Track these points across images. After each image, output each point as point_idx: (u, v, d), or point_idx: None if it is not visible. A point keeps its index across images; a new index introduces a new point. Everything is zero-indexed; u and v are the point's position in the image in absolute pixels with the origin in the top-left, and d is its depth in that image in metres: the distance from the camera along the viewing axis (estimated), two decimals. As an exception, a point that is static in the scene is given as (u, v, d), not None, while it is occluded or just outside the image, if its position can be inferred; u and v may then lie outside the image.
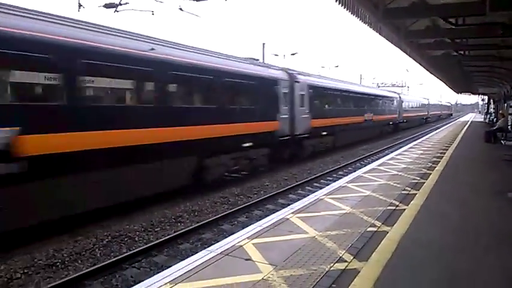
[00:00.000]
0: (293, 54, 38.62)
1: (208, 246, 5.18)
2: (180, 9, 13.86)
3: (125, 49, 9.03)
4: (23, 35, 6.98)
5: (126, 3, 12.89)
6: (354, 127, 24.40)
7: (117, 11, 13.23)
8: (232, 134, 12.48)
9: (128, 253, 7.04)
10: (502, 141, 15.99)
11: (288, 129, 16.22)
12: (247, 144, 13.37)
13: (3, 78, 7.04)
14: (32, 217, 7.10)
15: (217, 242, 5.61)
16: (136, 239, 8.07)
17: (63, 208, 7.57)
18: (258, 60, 17.82)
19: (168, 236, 7.90)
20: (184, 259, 4.95)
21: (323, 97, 20.68)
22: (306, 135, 17.70)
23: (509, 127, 21.42)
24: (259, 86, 14.30)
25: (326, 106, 21.33)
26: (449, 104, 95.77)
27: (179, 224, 9.02)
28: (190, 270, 4.29)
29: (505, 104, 30.27)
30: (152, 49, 9.73)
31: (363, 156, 20.24)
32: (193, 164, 11.24)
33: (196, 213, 9.78)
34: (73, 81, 7.90)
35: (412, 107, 44.49)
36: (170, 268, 4.46)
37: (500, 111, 29.05)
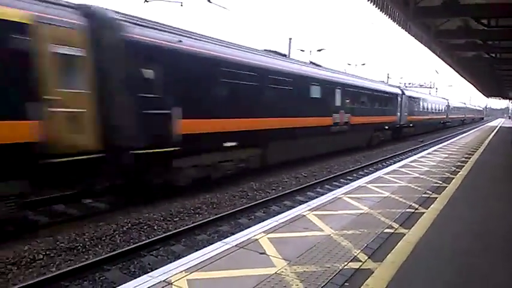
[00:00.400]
0: (319, 50, 38.36)
1: (224, 239, 5.26)
2: (209, 1, 13.99)
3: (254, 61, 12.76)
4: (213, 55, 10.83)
5: (156, -7, 13.12)
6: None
7: (147, 1, 13.48)
8: (382, 121, 24.36)
9: (147, 241, 7.20)
10: (531, 148, 15.45)
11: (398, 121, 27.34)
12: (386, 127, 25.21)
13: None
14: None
15: (233, 234, 5.68)
16: (155, 227, 8.24)
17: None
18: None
19: (186, 227, 8.03)
20: (200, 249, 5.04)
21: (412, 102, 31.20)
22: (404, 125, 29.11)
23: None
24: (391, 97, 26.10)
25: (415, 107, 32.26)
26: (480, 108, 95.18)
27: (197, 215, 9.16)
28: (206, 260, 4.37)
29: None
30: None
31: (385, 157, 19.95)
32: (369, 134, 23.06)
33: (214, 206, 9.89)
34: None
35: (423, 108, 35.51)
36: (186, 257, 4.56)
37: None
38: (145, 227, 8.13)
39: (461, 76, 27.18)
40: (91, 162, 7.87)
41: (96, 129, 8.01)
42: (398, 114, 28.21)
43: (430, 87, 78.72)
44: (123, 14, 8.97)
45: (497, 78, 25.48)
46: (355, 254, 4.60)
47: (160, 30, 9.60)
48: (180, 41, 9.84)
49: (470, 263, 4.61)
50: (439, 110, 42.86)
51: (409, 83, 74.72)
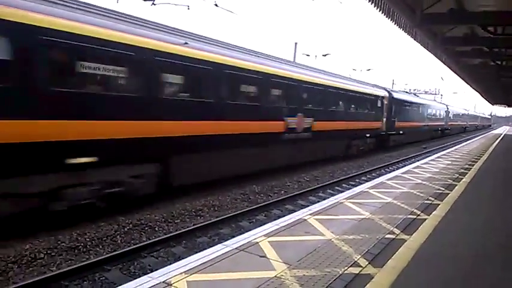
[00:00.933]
0: (325, 55, 38.39)
1: (225, 241, 5.26)
2: (216, 5, 14.04)
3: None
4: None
5: (164, -4, 13.21)
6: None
7: (154, 4, 13.56)
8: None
9: (148, 242, 7.21)
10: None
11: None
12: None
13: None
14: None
15: (234, 237, 5.68)
16: (156, 228, 8.25)
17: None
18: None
19: (187, 228, 8.03)
20: (200, 251, 5.04)
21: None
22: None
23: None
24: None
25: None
26: (487, 116, 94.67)
27: (199, 217, 9.16)
28: (206, 262, 4.37)
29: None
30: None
31: (388, 163, 19.90)
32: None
33: (216, 208, 9.89)
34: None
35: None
36: (186, 259, 4.56)
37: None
38: (146, 228, 8.14)
39: (467, 83, 27.16)
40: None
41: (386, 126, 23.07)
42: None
43: (435, 94, 78.83)
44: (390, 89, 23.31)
45: (503, 85, 25.41)
46: (356, 259, 4.59)
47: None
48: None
49: (471, 271, 4.59)
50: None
51: (414, 89, 74.80)
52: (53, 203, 7.40)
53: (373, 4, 9.18)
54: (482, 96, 41.11)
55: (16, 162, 6.65)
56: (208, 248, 5.62)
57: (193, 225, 8.40)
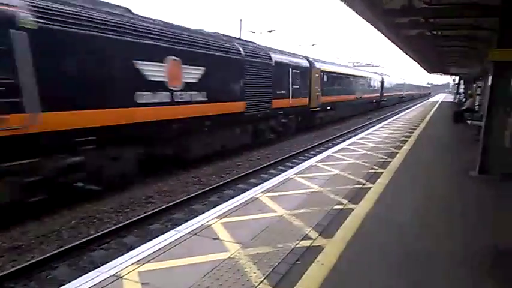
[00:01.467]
0: (270, 31, 38.40)
1: (177, 227, 5.18)
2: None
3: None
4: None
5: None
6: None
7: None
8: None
9: (96, 234, 6.95)
10: (468, 121, 16.49)
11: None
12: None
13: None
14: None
15: (187, 221, 5.61)
16: (105, 220, 7.97)
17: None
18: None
19: (138, 217, 7.83)
20: (152, 239, 4.94)
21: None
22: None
23: (476, 107, 22.11)
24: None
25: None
26: (427, 85, 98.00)
27: (150, 204, 8.96)
28: (158, 250, 4.29)
29: (474, 85, 31.18)
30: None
31: (335, 135, 20.51)
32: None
33: (167, 194, 9.72)
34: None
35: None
36: (137, 249, 4.44)
37: (469, 92, 29.94)
38: (94, 221, 7.84)
39: (406, 54, 28.30)
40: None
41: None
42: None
43: (377, 66, 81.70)
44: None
45: (439, 55, 26.72)
46: (307, 232, 4.71)
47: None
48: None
49: (414, 235, 4.87)
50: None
51: (357, 62, 77.05)
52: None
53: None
54: (421, 65, 43.05)
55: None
56: (161, 235, 5.54)
57: (144, 213, 8.21)
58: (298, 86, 18.71)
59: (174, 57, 10.18)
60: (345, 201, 5.98)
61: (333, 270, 3.81)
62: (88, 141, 8.08)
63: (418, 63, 38.84)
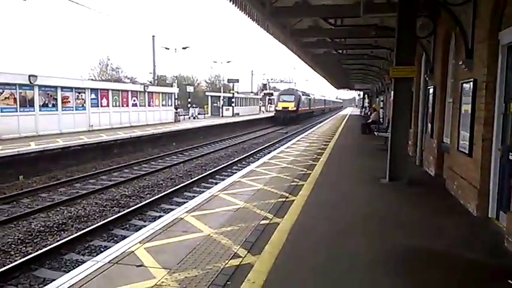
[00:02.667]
0: (184, 48, 38.18)
1: (96, 255, 4.80)
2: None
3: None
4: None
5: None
6: None
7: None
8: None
9: (0, 270, 6.18)
10: (375, 133, 17.92)
11: None
12: None
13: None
14: None
15: (108, 248, 5.23)
16: (11, 252, 7.17)
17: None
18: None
19: (49, 247, 7.14)
20: (70, 271, 4.51)
21: None
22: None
23: (381, 119, 24.14)
24: None
25: None
26: (340, 100, 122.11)
27: (63, 232, 8.25)
28: (75, 284, 3.90)
29: (377, 99, 34.07)
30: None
31: (256, 150, 20.91)
32: None
33: (82, 219, 9.04)
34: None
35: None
36: (52, 283, 4.00)
37: (373, 106, 32.58)
38: (-2, 254, 7.01)
39: (315, 71, 30.05)
40: None
41: None
42: None
43: (290, 82, 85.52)
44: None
45: (345, 72, 28.85)
46: (235, 251, 4.66)
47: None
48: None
49: (338, 242, 5.09)
50: (306, 103, 52.83)
51: (271, 79, 79.81)
52: None
53: (226, -2, 9.36)
54: (329, 82, 46.09)
55: None
56: (79, 265, 5.10)
57: (57, 241, 7.51)
58: (306, 103, 50.96)
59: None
60: (270, 216, 6.05)
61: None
62: None
63: (326, 79, 41.52)
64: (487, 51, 6.01)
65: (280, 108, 44.16)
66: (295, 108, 44.05)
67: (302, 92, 51.84)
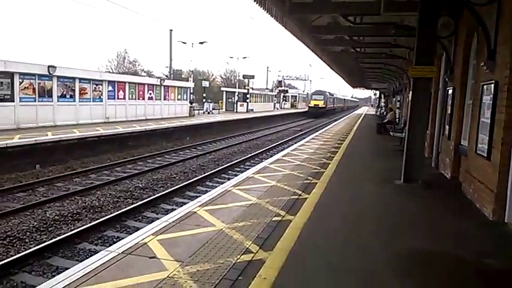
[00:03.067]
0: (201, 43, 38.24)
1: (109, 245, 4.86)
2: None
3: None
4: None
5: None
6: None
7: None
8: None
9: (17, 256, 6.31)
10: (390, 133, 17.70)
11: None
12: None
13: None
14: None
15: (121, 239, 5.29)
16: (26, 240, 7.32)
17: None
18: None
19: (63, 236, 7.25)
20: (83, 260, 4.58)
21: None
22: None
23: (396, 120, 23.85)
24: None
25: None
26: (356, 99, 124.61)
27: (77, 221, 8.38)
28: (88, 273, 3.94)
29: (394, 99, 33.65)
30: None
31: (269, 147, 20.88)
32: None
33: (96, 210, 9.16)
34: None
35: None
36: (63, 273, 4.06)
37: (389, 106, 32.21)
38: (14, 241, 7.15)
39: (332, 69, 29.82)
40: None
41: None
42: None
43: (305, 79, 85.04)
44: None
45: (362, 70, 28.55)
46: (247, 246, 4.66)
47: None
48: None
49: (350, 243, 5.05)
50: (331, 101, 65.48)
51: (287, 76, 79.51)
52: None
53: (246, -7, 9.35)
54: (345, 80, 45.72)
55: None
56: (92, 255, 5.17)
57: (71, 231, 7.63)
58: (331, 101, 63.52)
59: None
60: (283, 213, 6.04)
61: (275, 284, 3.79)
62: None
63: (342, 77, 41.19)
64: (509, 53, 5.86)
65: (313, 105, 57.02)
66: (324, 106, 57.25)
67: (328, 92, 63.00)
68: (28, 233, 7.58)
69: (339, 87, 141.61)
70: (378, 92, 57.67)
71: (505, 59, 6.04)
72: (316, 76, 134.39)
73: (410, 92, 9.11)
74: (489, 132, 6.47)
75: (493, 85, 6.44)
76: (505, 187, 5.87)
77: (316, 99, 57.39)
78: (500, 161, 5.95)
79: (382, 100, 49.90)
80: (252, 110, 45.33)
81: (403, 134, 12.42)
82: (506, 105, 5.90)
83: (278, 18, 11.60)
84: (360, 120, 35.28)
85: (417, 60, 8.46)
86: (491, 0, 6.64)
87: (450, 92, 10.02)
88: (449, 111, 10.08)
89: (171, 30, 35.49)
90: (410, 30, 10.67)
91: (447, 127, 10.20)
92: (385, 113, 34.97)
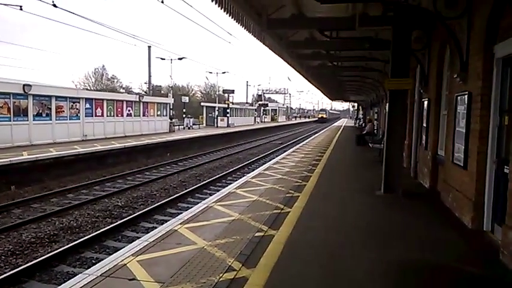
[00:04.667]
0: (180, 58, 38.17)
1: (88, 268, 4.70)
2: (54, 5, 12.73)
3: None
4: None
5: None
6: None
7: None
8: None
9: (-12, 284, 6.05)
10: (370, 144, 17.94)
11: None
12: None
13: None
14: None
15: (100, 261, 5.13)
16: (1, 264, 7.06)
17: None
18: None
19: (40, 259, 7.00)
20: (60, 284, 4.40)
21: None
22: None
23: (375, 131, 24.23)
24: None
25: None
26: (338, 112, 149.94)
27: (54, 243, 8.11)
28: (65, 298, 3.81)
29: (371, 111, 34.25)
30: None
31: (250, 160, 20.85)
32: None
33: (74, 230, 8.91)
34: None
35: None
36: (40, 299, 3.91)
37: (368, 117, 32.75)
38: (-15, 266, 6.86)
39: (310, 82, 30.21)
40: None
41: None
42: None
43: (284, 93, 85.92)
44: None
45: (339, 83, 29.01)
46: (230, 263, 4.58)
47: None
48: None
49: (334, 255, 5.03)
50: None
51: (266, 90, 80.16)
52: None
53: (222, 9, 9.39)
54: (323, 93, 46.36)
55: None
56: (70, 278, 4.98)
57: (48, 253, 7.38)
58: (328, 114, 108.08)
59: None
60: (265, 228, 5.99)
61: (259, 301, 3.73)
62: None
63: (321, 90, 41.77)
64: (481, 64, 6.05)
65: (320, 117, 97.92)
66: (326, 117, 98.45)
67: (328, 109, 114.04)
68: (3, 257, 7.31)
69: (318, 100, 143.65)
70: (356, 104, 58.62)
71: (477, 70, 6.23)
72: (295, 89, 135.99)
73: (387, 104, 9.28)
74: (465, 142, 6.62)
75: (466, 96, 6.62)
76: (482, 195, 5.98)
77: (321, 114, 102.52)
78: (476, 170, 6.08)
79: (361, 112, 50.71)
80: (232, 124, 45.36)
81: (382, 145, 12.61)
82: (480, 115, 6.05)
83: (256, 33, 11.71)
84: (339, 132, 35.69)
85: (393, 73, 8.65)
86: (462, 14, 6.87)
87: (426, 103, 10.25)
88: (425, 122, 10.30)
89: (149, 47, 35.45)
90: (385, 43, 10.92)
91: (424, 137, 10.41)
92: (363, 124, 35.49)
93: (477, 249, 5.42)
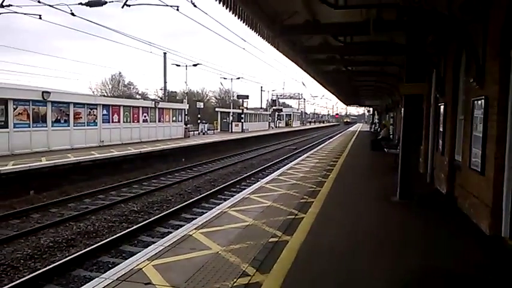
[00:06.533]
0: (195, 65, 38.52)
1: (104, 272, 4.78)
2: (73, 14, 13.03)
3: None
4: None
5: None
6: None
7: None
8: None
9: (8, 286, 6.18)
10: (385, 150, 17.75)
11: None
12: None
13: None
14: None
15: (116, 265, 5.20)
16: (20, 268, 7.20)
17: None
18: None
19: (58, 263, 7.13)
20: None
21: None
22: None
23: (390, 136, 23.99)
24: None
25: None
26: (354, 117, 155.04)
27: (71, 248, 8.25)
28: (82, 301, 3.89)
29: (387, 115, 33.93)
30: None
31: (264, 166, 20.86)
32: None
33: (91, 235, 9.05)
34: None
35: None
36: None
37: (383, 122, 32.43)
38: (8, 269, 7.04)
39: (324, 87, 30.12)
40: None
41: None
42: None
43: (299, 98, 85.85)
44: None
45: (354, 88, 28.84)
46: (244, 269, 4.60)
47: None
48: None
49: (349, 262, 5.00)
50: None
51: (281, 95, 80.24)
52: None
53: (236, 16, 9.48)
54: (338, 98, 46.18)
55: None
56: (86, 282, 5.08)
57: (65, 257, 7.51)
58: (350, 119, 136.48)
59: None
60: (279, 233, 5.99)
61: (272, 307, 3.74)
62: None
63: (336, 95, 41.60)
64: (498, 69, 5.97)
65: (345, 121, 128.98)
66: (349, 121, 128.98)
67: (350, 114, 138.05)
68: (22, 261, 7.47)
69: (333, 105, 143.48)
70: (371, 109, 58.16)
71: (494, 75, 6.14)
72: (310, 94, 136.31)
73: (403, 109, 9.20)
74: (482, 147, 6.52)
75: (483, 101, 6.53)
76: (500, 201, 5.87)
77: (346, 119, 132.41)
78: (494, 175, 5.97)
79: (376, 117, 50.27)
80: (247, 129, 45.47)
81: (398, 150, 12.47)
82: (497, 120, 5.96)
83: (270, 39, 11.77)
84: (354, 137, 35.43)
85: (408, 78, 8.57)
86: (477, 18, 6.79)
87: (442, 107, 10.13)
88: (441, 127, 10.16)
89: (165, 53, 35.86)
90: (400, 48, 10.85)
91: (440, 142, 10.27)
92: (379, 129, 35.15)
93: (495, 256, 5.32)
